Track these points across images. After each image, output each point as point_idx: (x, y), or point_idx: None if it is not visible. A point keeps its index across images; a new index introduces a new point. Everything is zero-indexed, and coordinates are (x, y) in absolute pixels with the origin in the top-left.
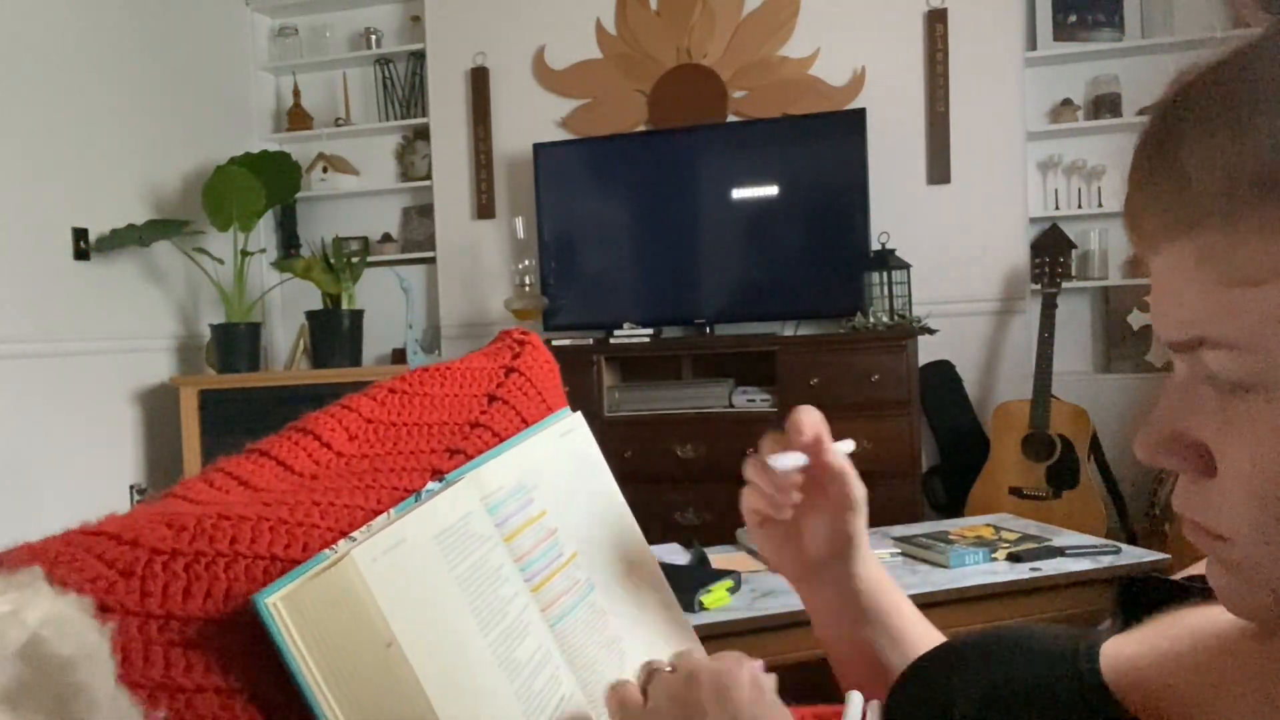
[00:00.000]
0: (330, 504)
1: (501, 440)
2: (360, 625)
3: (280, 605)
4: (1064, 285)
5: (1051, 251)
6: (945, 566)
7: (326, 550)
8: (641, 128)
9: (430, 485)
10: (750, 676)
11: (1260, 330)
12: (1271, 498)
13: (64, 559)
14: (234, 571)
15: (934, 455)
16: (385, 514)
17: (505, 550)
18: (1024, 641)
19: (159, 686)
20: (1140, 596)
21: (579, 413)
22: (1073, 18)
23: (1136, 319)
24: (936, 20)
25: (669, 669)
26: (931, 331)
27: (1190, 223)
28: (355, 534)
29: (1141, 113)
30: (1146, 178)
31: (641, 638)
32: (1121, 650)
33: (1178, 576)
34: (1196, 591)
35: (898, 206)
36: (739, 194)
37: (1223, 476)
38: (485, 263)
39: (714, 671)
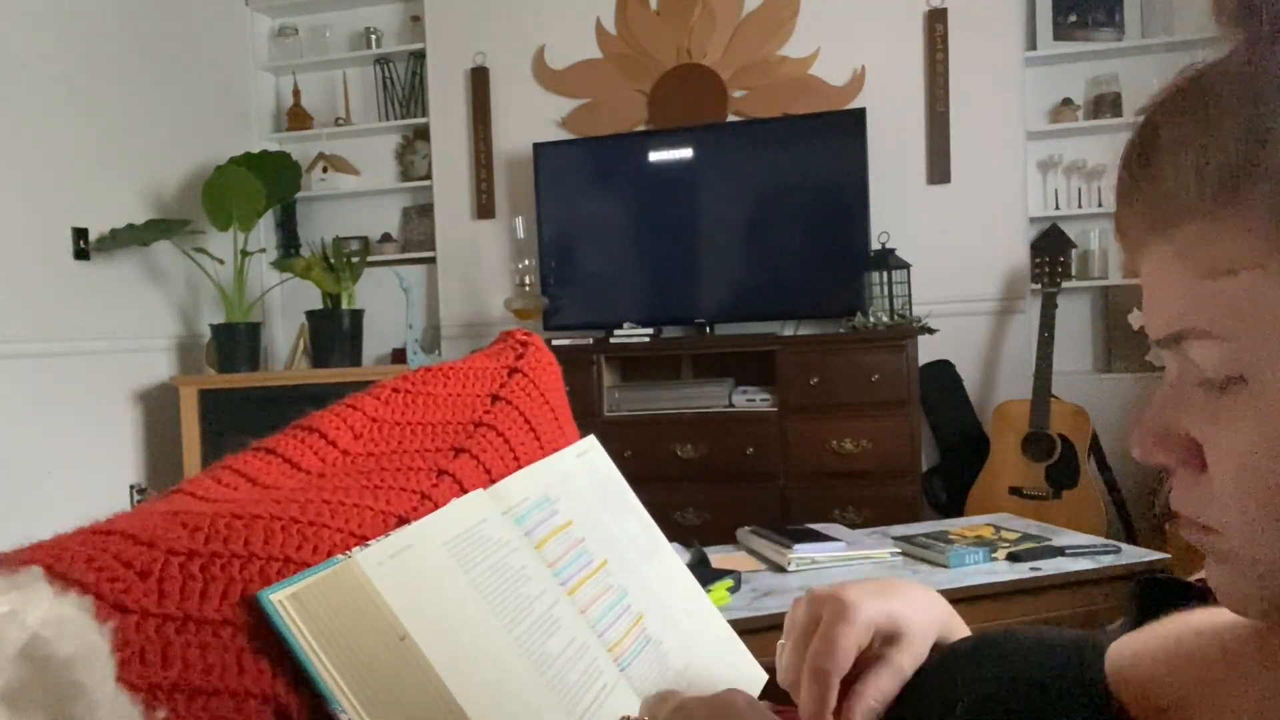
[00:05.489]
0: (340, 504)
1: (506, 439)
2: (370, 621)
3: (286, 602)
4: (1064, 285)
5: (1051, 251)
6: (945, 566)
7: (339, 555)
8: (641, 128)
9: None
10: (747, 700)
11: (1238, 319)
12: (1258, 488)
13: (80, 558)
14: (249, 572)
15: (934, 455)
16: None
17: (533, 554)
18: (1028, 642)
19: (175, 688)
20: (1155, 597)
21: (592, 435)
22: (1073, 18)
23: (1136, 319)
24: (936, 20)
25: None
26: (931, 331)
27: (1168, 221)
28: (370, 542)
29: (1140, 113)
30: (1129, 186)
31: (679, 642)
32: (1126, 650)
33: (1193, 578)
34: (1210, 593)
35: (898, 206)
36: (739, 194)
37: (1212, 470)
38: (485, 263)
39: (708, 703)
